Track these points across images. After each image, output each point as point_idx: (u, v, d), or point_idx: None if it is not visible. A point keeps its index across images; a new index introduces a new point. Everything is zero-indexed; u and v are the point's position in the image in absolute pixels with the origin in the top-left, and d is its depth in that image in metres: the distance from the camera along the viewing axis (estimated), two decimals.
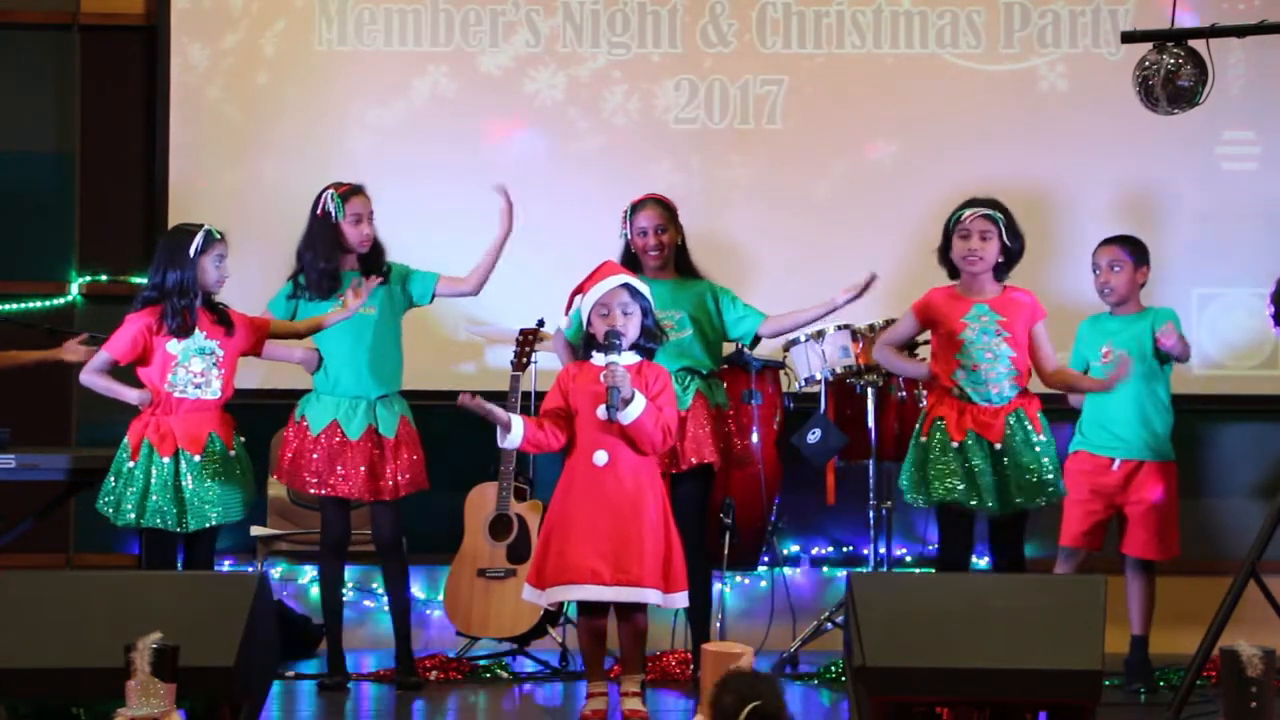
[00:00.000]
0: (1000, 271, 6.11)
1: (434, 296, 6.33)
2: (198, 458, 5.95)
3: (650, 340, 5.54)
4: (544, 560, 5.50)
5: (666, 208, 6.30)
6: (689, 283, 6.28)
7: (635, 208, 6.30)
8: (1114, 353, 6.19)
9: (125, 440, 6.02)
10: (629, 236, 6.28)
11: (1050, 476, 6.01)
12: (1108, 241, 6.37)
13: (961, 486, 5.95)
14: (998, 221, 6.05)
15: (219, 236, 6.03)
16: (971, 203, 6.11)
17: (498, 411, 5.48)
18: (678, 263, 6.30)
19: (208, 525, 5.97)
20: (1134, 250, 6.33)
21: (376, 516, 6.25)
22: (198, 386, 6.00)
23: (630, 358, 5.47)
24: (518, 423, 5.46)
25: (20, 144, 7.42)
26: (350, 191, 6.22)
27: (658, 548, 5.41)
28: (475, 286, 6.33)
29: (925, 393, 6.52)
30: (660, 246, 6.23)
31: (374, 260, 6.22)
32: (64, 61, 7.44)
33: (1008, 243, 6.06)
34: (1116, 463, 6.24)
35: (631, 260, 6.26)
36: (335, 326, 6.14)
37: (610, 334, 5.42)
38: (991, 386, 6.01)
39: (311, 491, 6.22)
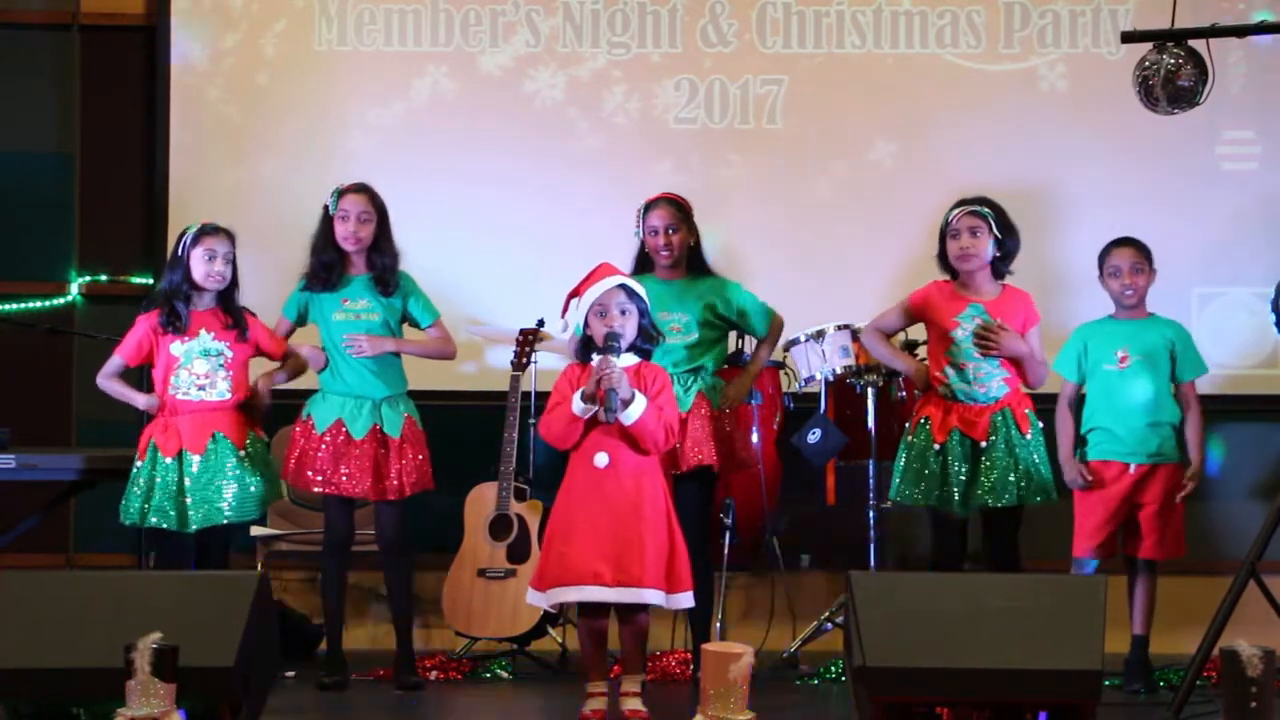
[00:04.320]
0: (998, 268, 6.11)
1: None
2: (197, 457, 5.95)
3: (647, 341, 5.53)
4: (545, 561, 5.50)
5: (679, 207, 6.27)
6: (699, 282, 6.26)
7: (648, 206, 6.28)
8: (1130, 358, 6.19)
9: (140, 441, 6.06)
10: (641, 235, 6.27)
11: (1034, 477, 6.00)
12: (1125, 244, 6.31)
13: (933, 491, 5.98)
14: (986, 217, 6.06)
15: (212, 231, 6.03)
16: (959, 203, 6.15)
17: (622, 388, 5.35)
18: (690, 262, 6.28)
19: (215, 525, 5.97)
20: (1148, 253, 6.31)
21: (380, 516, 6.24)
22: (201, 388, 6.01)
23: (629, 358, 5.46)
24: (640, 400, 5.39)
25: (20, 144, 7.42)
26: (350, 189, 6.22)
27: (660, 548, 5.41)
28: (454, 355, 6.42)
29: (916, 393, 6.53)
30: (670, 246, 6.22)
31: (377, 264, 6.20)
32: (64, 61, 7.43)
33: (999, 236, 6.07)
34: (1132, 467, 6.23)
35: (646, 259, 6.26)
36: (338, 331, 6.17)
37: (609, 336, 5.41)
38: (979, 386, 6.03)
39: (316, 490, 6.21)
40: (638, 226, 6.28)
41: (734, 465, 6.29)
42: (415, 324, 6.31)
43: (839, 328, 6.51)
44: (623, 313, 5.46)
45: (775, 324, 6.33)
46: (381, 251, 6.21)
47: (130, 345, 6.06)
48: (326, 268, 6.19)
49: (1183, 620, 6.52)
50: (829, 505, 6.81)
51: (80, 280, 7.38)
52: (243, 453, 6.03)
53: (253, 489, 6.05)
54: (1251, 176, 7.30)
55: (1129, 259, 6.27)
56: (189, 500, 5.93)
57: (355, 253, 6.20)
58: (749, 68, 7.32)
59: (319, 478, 6.14)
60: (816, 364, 6.56)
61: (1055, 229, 7.04)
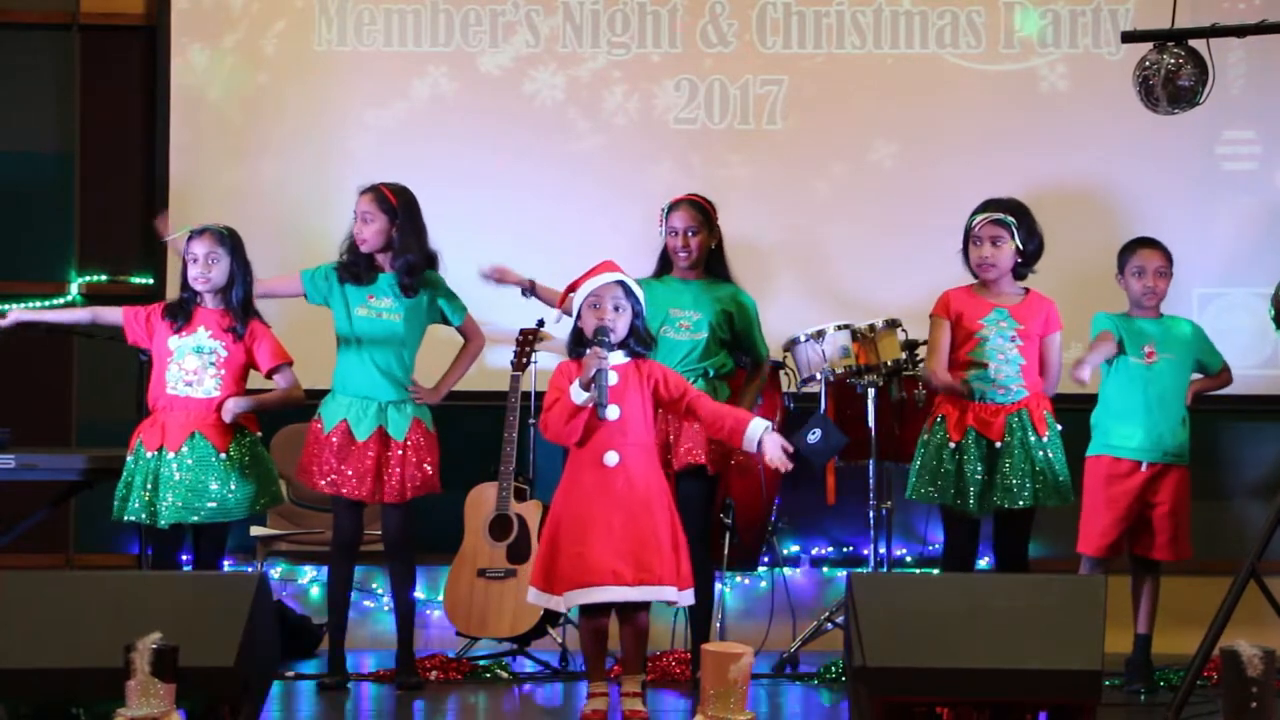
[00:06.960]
0: (1020, 270, 6.11)
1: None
2: (172, 455, 5.94)
3: (639, 344, 5.50)
4: (553, 562, 5.42)
5: (702, 210, 6.27)
6: (715, 285, 6.26)
7: (671, 207, 6.28)
8: (1158, 354, 6.17)
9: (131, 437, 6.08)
10: (664, 235, 6.28)
11: (1051, 478, 6.01)
12: (1152, 246, 6.29)
13: (948, 489, 5.98)
14: (1009, 225, 6.04)
15: (197, 234, 6.04)
16: (985, 206, 6.11)
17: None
18: (709, 265, 6.28)
19: (187, 522, 5.97)
20: (1171, 257, 6.29)
21: (386, 517, 6.23)
22: (188, 384, 6.01)
23: (618, 357, 5.45)
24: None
25: (20, 144, 7.42)
26: (363, 189, 6.23)
27: (670, 545, 5.41)
28: (484, 344, 6.47)
29: (925, 393, 6.52)
30: (689, 248, 6.22)
31: (397, 265, 6.19)
32: (64, 61, 7.43)
33: (1022, 244, 6.05)
34: (1144, 465, 6.22)
35: (668, 259, 6.26)
36: (358, 327, 6.17)
37: (599, 330, 5.39)
38: (999, 387, 6.03)
39: (322, 488, 6.20)
40: (661, 226, 6.28)
41: (734, 467, 6.28)
42: (448, 322, 6.32)
43: (839, 328, 6.51)
44: (616, 309, 5.45)
45: (765, 368, 6.35)
46: (400, 251, 6.20)
47: (135, 308, 6.11)
48: (353, 263, 6.21)
49: (1183, 620, 6.51)
50: (829, 505, 6.81)
51: (80, 280, 7.38)
52: (224, 455, 5.99)
53: (232, 492, 6.00)
54: (1251, 177, 7.31)
55: (1156, 261, 6.26)
56: (161, 496, 5.93)
57: (375, 253, 6.20)
58: (749, 68, 7.32)
59: (324, 479, 6.14)
60: (816, 364, 6.56)
61: (1055, 229, 7.03)
